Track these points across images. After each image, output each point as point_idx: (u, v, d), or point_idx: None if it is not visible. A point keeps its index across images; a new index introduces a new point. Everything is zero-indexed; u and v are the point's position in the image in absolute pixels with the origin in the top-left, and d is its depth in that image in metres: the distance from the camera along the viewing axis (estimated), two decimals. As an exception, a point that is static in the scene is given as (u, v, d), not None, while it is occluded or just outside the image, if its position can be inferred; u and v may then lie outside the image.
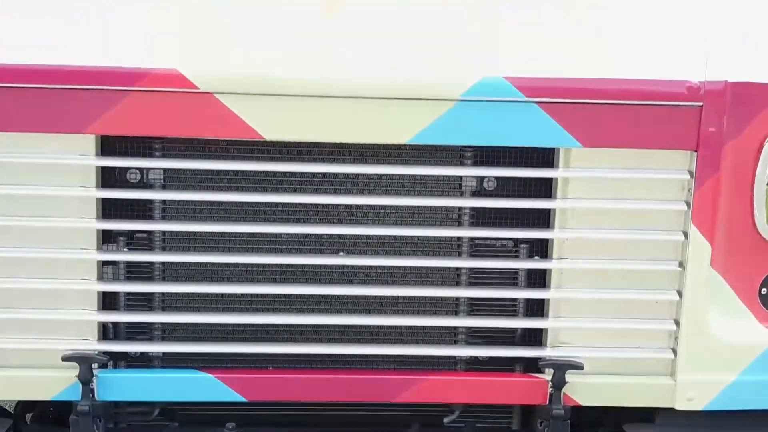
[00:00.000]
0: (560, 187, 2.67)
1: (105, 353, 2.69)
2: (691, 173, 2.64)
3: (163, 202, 2.69)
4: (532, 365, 2.79)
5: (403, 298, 2.78)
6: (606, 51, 2.63)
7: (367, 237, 2.72)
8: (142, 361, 2.80)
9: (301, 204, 2.69)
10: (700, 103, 2.58)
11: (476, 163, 2.71)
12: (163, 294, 2.75)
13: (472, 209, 2.74)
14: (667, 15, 2.70)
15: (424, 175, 2.71)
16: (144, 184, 2.70)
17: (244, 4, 2.62)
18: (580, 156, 2.63)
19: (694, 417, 2.80)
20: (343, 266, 2.74)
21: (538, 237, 2.72)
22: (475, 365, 2.85)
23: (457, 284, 2.79)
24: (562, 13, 2.70)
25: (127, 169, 2.70)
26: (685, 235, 2.68)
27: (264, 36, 2.58)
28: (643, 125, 2.60)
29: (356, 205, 2.70)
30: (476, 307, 2.81)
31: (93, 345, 2.69)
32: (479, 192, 2.76)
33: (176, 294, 2.75)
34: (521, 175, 2.67)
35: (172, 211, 2.72)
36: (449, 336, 2.83)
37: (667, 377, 2.77)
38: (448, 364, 2.84)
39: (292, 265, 2.73)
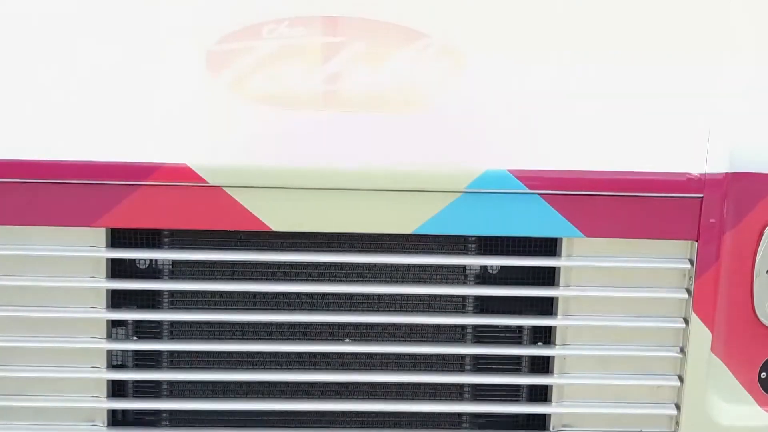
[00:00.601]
0: (563, 276, 2.71)
1: None
2: (691, 262, 2.69)
3: (171, 291, 2.74)
4: (535, 448, 2.83)
5: (407, 383, 2.82)
6: (607, 142, 2.69)
7: (372, 325, 2.77)
8: None
9: (306, 292, 2.74)
10: (701, 195, 2.64)
11: (480, 250, 2.76)
12: (171, 383, 2.79)
13: (476, 295, 2.79)
14: (668, 106, 2.76)
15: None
16: (153, 269, 2.75)
17: (250, 99, 2.67)
18: (582, 245, 2.68)
19: None
20: (348, 353, 2.78)
21: (541, 325, 2.76)
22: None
23: (461, 370, 2.83)
24: (563, 104, 2.76)
25: None
26: (686, 321, 2.72)
27: (270, 129, 2.64)
28: (645, 216, 2.65)
29: (362, 293, 2.75)
30: (479, 391, 2.85)
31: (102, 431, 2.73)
32: (483, 276, 2.81)
33: (184, 382, 2.79)
34: (524, 264, 2.72)
35: (180, 296, 2.76)
36: (451, 419, 2.87)
37: None
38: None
39: (297, 353, 2.77)
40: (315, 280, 2.74)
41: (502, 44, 2.99)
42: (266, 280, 2.71)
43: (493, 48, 2.96)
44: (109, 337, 2.69)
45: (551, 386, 2.77)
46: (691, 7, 3.08)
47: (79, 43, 2.85)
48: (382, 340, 2.79)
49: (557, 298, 2.73)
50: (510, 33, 3.04)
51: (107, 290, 2.66)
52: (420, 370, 2.81)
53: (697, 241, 2.67)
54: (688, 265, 2.69)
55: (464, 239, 2.75)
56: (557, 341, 2.74)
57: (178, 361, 2.78)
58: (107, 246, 2.63)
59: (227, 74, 2.77)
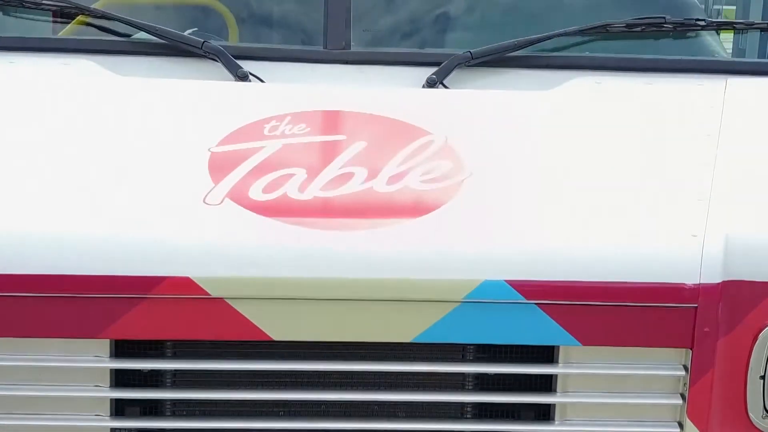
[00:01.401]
0: (560, 382, 2.75)
1: None
2: (686, 368, 2.73)
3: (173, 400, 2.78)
4: None
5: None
6: (603, 252, 2.73)
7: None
8: None
9: (307, 400, 2.77)
10: (695, 305, 2.68)
11: (478, 354, 2.80)
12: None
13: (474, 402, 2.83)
14: (661, 217, 2.82)
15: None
16: (156, 376, 2.77)
17: (248, 214, 2.72)
18: (579, 353, 2.72)
19: None
20: None
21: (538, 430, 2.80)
22: None
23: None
24: (559, 216, 2.82)
25: None
26: (681, 426, 2.76)
27: (270, 240, 2.68)
28: (640, 325, 2.69)
29: (362, 401, 2.78)
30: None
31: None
32: (481, 377, 2.84)
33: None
34: (522, 371, 2.76)
35: (182, 404, 2.78)
36: None
37: None
38: None
39: None
40: (315, 388, 2.78)
41: (502, 154, 3.08)
42: (267, 387, 2.75)
43: (492, 158, 3.04)
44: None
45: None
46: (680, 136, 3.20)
47: (81, 158, 2.92)
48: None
49: (554, 405, 2.77)
50: (510, 145, 3.12)
51: (111, 399, 2.70)
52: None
53: (691, 348, 2.71)
54: (683, 372, 2.74)
55: (463, 346, 2.79)
56: None
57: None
58: (111, 356, 2.67)
59: (228, 181, 2.83)
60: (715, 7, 5.45)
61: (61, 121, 3.12)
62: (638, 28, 3.55)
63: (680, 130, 3.23)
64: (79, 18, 4.21)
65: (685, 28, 3.60)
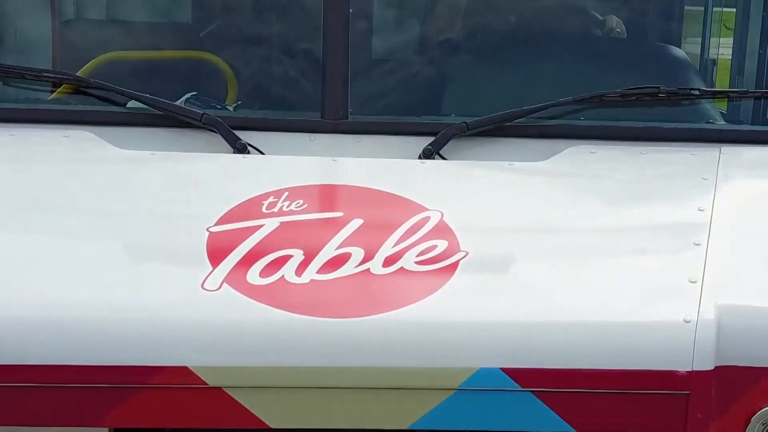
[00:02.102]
0: None
1: None
2: None
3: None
4: None
5: None
6: (597, 339, 2.76)
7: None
8: None
9: None
10: (687, 392, 2.71)
11: None
12: None
13: None
14: (653, 304, 2.84)
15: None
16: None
17: (246, 301, 2.75)
18: None
19: None
20: None
21: None
22: None
23: None
24: (553, 302, 2.84)
25: None
26: None
27: (267, 329, 2.70)
28: (634, 411, 2.72)
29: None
30: None
31: None
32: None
33: None
34: (519, 456, 2.79)
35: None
36: None
37: None
38: None
39: None
40: None
41: (496, 231, 3.11)
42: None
43: (487, 235, 3.07)
44: None
45: None
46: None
47: (80, 240, 2.95)
48: None
49: None
50: (505, 221, 3.16)
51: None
52: None
53: None
54: None
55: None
56: None
57: None
58: None
59: (226, 265, 2.85)
60: (715, 8, 5.47)
61: (61, 200, 3.16)
62: (633, 98, 3.58)
63: (674, 205, 3.27)
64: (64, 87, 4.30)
65: (680, 98, 3.62)
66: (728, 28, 4.75)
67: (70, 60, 4.94)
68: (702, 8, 5.20)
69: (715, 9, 5.30)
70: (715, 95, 3.77)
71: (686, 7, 5.28)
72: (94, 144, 3.37)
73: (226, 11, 4.69)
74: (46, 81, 3.61)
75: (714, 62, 5.10)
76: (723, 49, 5.24)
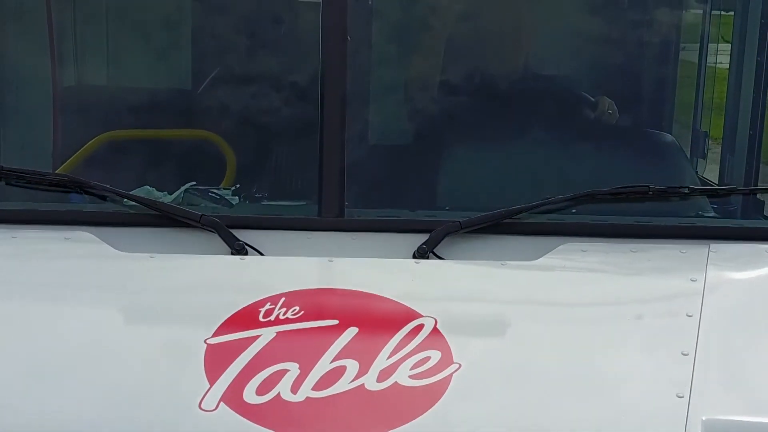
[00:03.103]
0: None
1: None
2: None
3: None
4: None
5: None
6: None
7: None
8: None
9: None
10: None
11: None
12: None
13: None
14: (641, 410, 2.91)
15: None
16: None
17: (242, 422, 2.80)
18: None
19: None
20: None
21: None
22: None
23: None
24: (542, 405, 2.91)
25: None
26: None
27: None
28: None
29: None
30: None
31: None
32: None
33: None
34: None
35: None
36: None
37: None
38: None
39: None
40: None
41: (490, 336, 3.18)
42: None
43: (480, 342, 3.14)
44: None
45: None
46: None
47: (81, 350, 3.01)
48: None
49: None
50: (498, 325, 3.23)
51: None
52: None
53: None
54: None
55: None
56: None
57: None
58: None
59: (222, 381, 2.91)
60: (714, 12, 5.54)
61: (61, 305, 3.24)
62: (623, 196, 3.65)
63: (662, 311, 3.34)
64: (73, 159, 4.38)
65: (669, 195, 3.69)
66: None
67: (70, 127, 5.03)
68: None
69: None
70: (704, 193, 3.83)
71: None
72: (93, 247, 3.44)
73: (224, 83, 4.77)
74: (46, 183, 3.66)
75: (706, 134, 5.17)
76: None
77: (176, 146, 4.64)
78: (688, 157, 5.22)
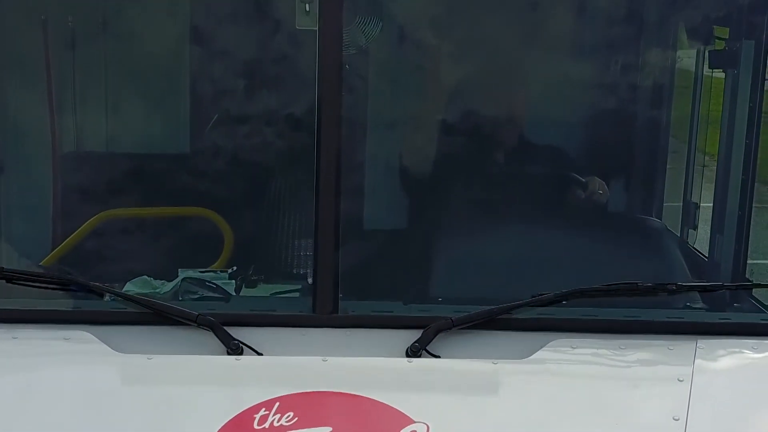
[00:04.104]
0: None
1: None
2: None
3: None
4: None
5: None
6: None
7: None
8: None
9: None
10: None
11: None
12: None
13: None
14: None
15: None
16: None
17: None
18: None
19: None
20: None
21: None
22: None
23: None
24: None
25: None
26: None
27: None
28: None
29: None
30: None
31: None
32: None
33: None
34: None
35: None
36: None
37: None
38: None
39: None
40: None
41: None
42: None
43: None
44: None
45: None
46: None
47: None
48: None
49: None
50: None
51: None
52: None
53: None
54: None
55: None
56: None
57: None
58: None
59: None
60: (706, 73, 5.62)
61: (61, 409, 3.29)
62: (612, 292, 3.72)
63: (649, 414, 3.41)
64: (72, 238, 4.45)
65: (658, 291, 3.75)
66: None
67: (69, 194, 5.09)
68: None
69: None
70: (692, 289, 3.90)
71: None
72: (92, 348, 3.50)
73: (222, 163, 4.85)
74: (47, 284, 3.73)
75: (696, 205, 5.24)
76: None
77: (174, 223, 4.71)
78: (679, 230, 5.32)
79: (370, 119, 4.30)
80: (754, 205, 4.18)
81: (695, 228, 5.22)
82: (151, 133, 5.27)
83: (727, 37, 4.42)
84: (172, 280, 4.15)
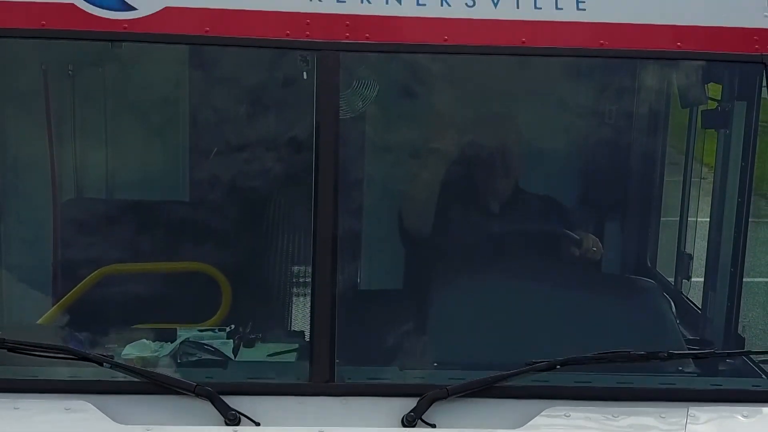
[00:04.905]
0: None
1: None
2: None
3: None
4: None
5: None
6: None
7: None
8: None
9: None
10: None
11: None
12: None
13: None
14: None
15: None
16: None
17: None
18: None
19: None
20: None
21: None
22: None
23: None
24: None
25: None
26: None
27: None
28: None
29: None
30: None
31: None
32: None
33: None
34: None
35: None
36: None
37: None
38: None
39: None
40: None
41: None
42: None
43: None
44: None
45: None
46: None
47: None
48: None
49: None
50: None
51: None
52: None
53: None
54: None
55: None
56: None
57: None
58: None
59: None
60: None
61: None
62: (604, 361, 3.76)
63: None
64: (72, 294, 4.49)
65: (649, 359, 3.79)
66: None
67: (69, 241, 5.13)
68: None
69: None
70: (683, 357, 3.95)
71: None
72: (93, 420, 3.54)
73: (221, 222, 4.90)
74: (47, 354, 3.77)
75: (690, 257, 5.30)
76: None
77: (173, 276, 4.76)
78: (673, 279, 5.38)
79: (366, 181, 4.35)
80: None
81: (689, 279, 5.28)
82: (151, 182, 5.33)
83: (720, 97, 4.48)
84: (170, 341, 4.19)
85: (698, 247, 5.20)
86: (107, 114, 5.42)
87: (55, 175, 5.24)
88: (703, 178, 5.24)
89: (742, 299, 4.43)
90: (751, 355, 4.02)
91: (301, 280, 4.40)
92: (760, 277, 10.48)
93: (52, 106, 5.15)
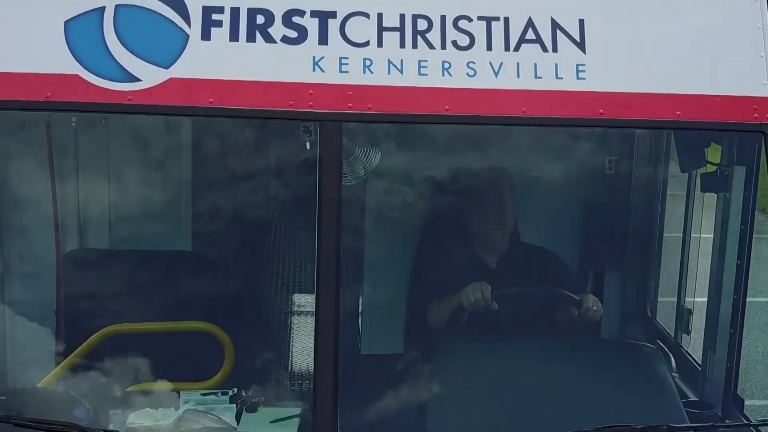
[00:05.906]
0: None
1: None
2: None
3: None
4: None
5: None
6: None
7: None
8: None
9: None
10: None
11: None
12: None
13: None
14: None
15: None
16: None
17: None
18: None
19: None
20: None
21: None
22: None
23: None
24: None
25: None
26: None
27: None
28: None
29: None
30: None
31: None
32: None
33: None
34: None
35: None
36: None
37: None
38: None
39: None
40: None
41: None
42: None
43: None
44: None
45: None
46: None
47: None
48: None
49: None
50: None
51: None
52: None
53: None
54: None
55: None
56: None
57: None
58: None
59: None
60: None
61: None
62: None
63: None
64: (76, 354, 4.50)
65: None
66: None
67: (73, 292, 5.16)
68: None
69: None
70: (684, 430, 3.97)
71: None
72: None
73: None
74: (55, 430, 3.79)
75: (690, 311, 5.33)
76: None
77: (176, 335, 4.78)
78: (673, 332, 5.41)
79: (367, 249, 4.38)
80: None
81: (689, 333, 5.30)
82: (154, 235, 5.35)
83: (719, 161, 4.51)
84: (173, 407, 4.21)
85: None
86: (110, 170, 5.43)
87: (58, 226, 5.26)
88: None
89: (741, 358, 4.47)
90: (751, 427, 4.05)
91: (302, 347, 4.41)
92: (760, 296, 10.47)
93: (55, 158, 5.17)
